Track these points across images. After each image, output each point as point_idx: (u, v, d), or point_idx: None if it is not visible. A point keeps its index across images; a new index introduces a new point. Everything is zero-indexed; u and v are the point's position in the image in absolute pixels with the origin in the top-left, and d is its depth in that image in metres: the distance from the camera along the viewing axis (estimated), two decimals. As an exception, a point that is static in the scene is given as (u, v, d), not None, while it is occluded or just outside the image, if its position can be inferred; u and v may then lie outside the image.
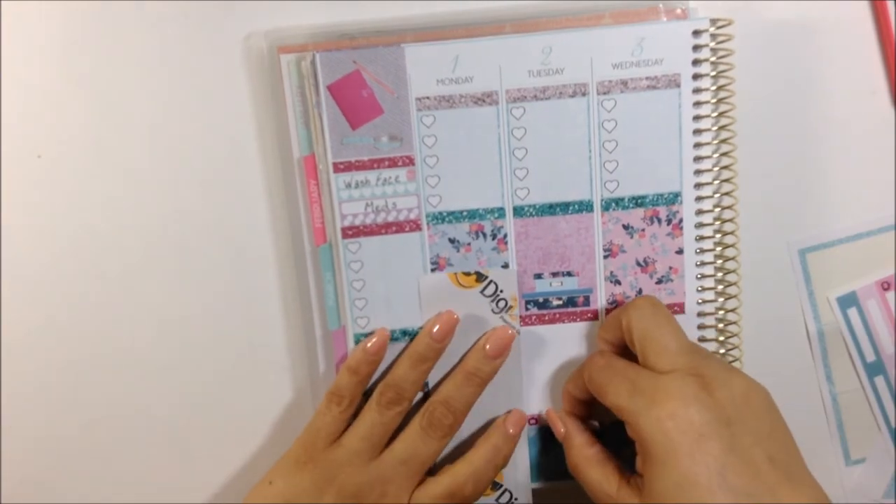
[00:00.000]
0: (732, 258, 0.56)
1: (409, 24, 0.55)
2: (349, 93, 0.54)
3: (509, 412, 0.57)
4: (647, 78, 0.54)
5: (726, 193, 0.56)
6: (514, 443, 0.56)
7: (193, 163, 0.57)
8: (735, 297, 0.57)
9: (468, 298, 0.56)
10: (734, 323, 0.57)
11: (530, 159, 0.55)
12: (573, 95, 0.54)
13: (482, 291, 0.56)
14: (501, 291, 0.56)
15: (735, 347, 0.57)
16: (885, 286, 0.59)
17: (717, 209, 0.56)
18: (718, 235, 0.56)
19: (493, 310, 0.56)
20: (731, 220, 0.56)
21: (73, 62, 0.56)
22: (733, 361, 0.57)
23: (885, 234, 0.58)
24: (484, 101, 0.54)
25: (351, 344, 0.56)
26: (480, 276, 0.56)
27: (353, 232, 0.55)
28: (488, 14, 0.55)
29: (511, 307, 0.56)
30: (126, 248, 0.58)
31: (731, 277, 0.57)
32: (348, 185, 0.55)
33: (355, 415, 0.55)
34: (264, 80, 0.56)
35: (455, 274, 0.56)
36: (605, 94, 0.54)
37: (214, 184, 0.58)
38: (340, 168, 0.55)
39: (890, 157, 0.58)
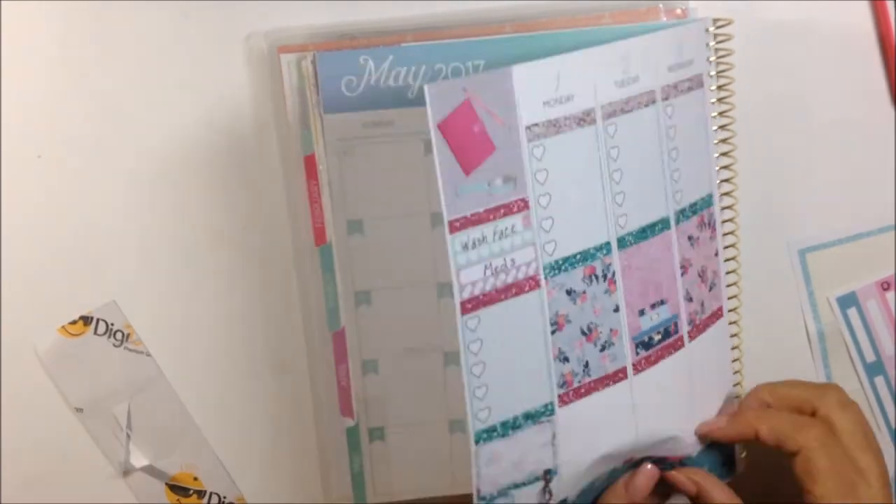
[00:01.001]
0: (733, 258, 0.57)
1: (409, 25, 0.55)
2: (461, 130, 0.42)
3: (634, 474, 0.52)
4: (687, 80, 0.52)
5: (726, 193, 0.56)
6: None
7: (193, 162, 0.57)
8: (735, 297, 0.57)
9: (87, 345, 0.58)
10: (734, 323, 0.57)
11: (626, 181, 0.49)
12: (647, 105, 0.50)
13: (95, 333, 0.58)
14: (112, 325, 0.58)
15: (735, 348, 0.57)
16: (885, 286, 0.62)
17: (728, 210, 0.56)
18: (728, 237, 0.56)
19: (114, 345, 0.58)
20: (730, 220, 0.56)
21: (73, 62, 0.57)
22: (733, 361, 0.57)
23: (884, 234, 0.61)
24: (584, 120, 0.47)
25: (472, 446, 0.45)
26: (86, 319, 0.58)
27: (472, 304, 0.43)
28: (488, 14, 0.55)
29: (129, 335, 0.58)
30: (126, 248, 0.58)
31: (731, 278, 0.57)
32: (465, 247, 0.43)
33: None
34: (265, 80, 0.56)
35: (63, 327, 0.58)
36: (665, 99, 0.50)
37: (214, 183, 0.58)
38: (457, 227, 0.42)
39: (890, 157, 0.61)
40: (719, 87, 0.54)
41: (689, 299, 0.53)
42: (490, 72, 0.44)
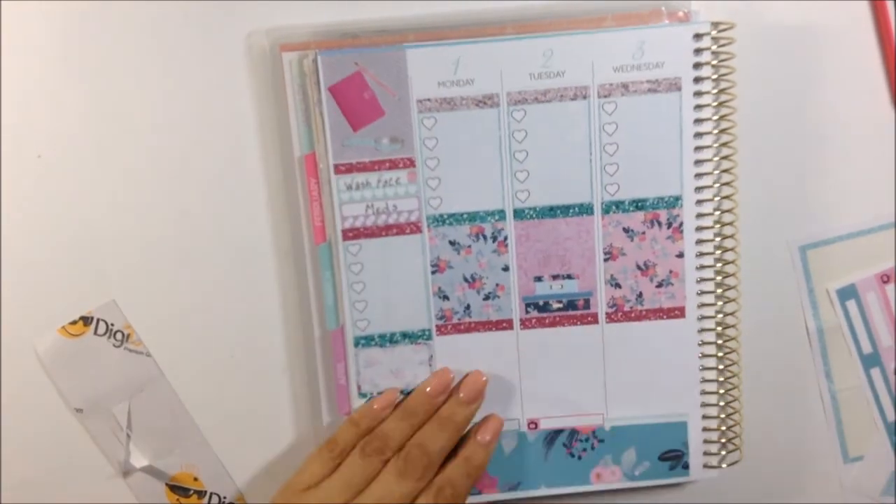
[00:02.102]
0: (732, 262, 0.56)
1: (411, 24, 0.55)
2: (350, 94, 0.54)
3: (485, 419, 0.57)
4: (647, 81, 0.54)
5: (726, 197, 0.56)
6: (489, 450, 0.56)
7: (194, 161, 0.57)
8: (734, 300, 0.57)
9: (87, 345, 0.58)
10: (732, 326, 0.57)
11: (531, 162, 0.55)
12: (574, 98, 0.54)
13: (95, 333, 0.58)
14: (112, 325, 0.58)
15: (733, 351, 0.57)
16: (885, 279, 0.59)
17: (718, 213, 0.56)
18: (719, 239, 0.56)
19: (114, 345, 0.58)
20: (730, 224, 0.56)
21: (73, 62, 0.56)
22: (730, 365, 0.57)
23: (885, 231, 0.59)
24: (485, 103, 0.54)
25: (349, 344, 0.57)
26: (86, 320, 0.58)
27: (353, 234, 0.55)
28: (490, 15, 0.55)
29: (129, 335, 0.58)
30: (126, 246, 0.58)
31: (730, 281, 0.57)
32: (349, 187, 0.55)
33: None
34: (266, 79, 0.56)
35: (63, 327, 0.58)
36: (605, 97, 0.54)
37: (215, 182, 0.58)
38: (342, 170, 0.55)
39: (890, 156, 0.58)
40: (721, 91, 0.54)
41: (616, 285, 0.56)
42: (385, 49, 0.53)
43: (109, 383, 0.59)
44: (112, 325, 0.58)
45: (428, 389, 0.55)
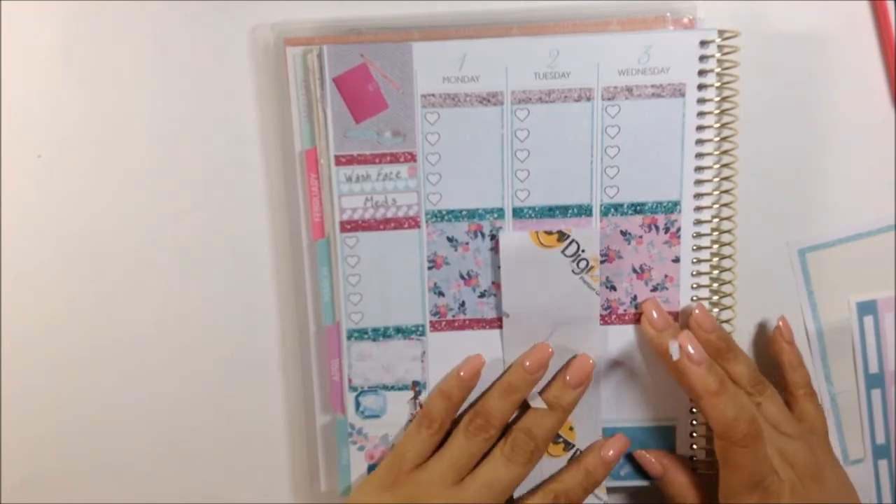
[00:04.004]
0: (729, 269, 0.56)
1: (416, 23, 0.55)
2: (355, 86, 0.54)
3: (612, 437, 0.57)
4: (652, 86, 0.54)
5: (725, 205, 0.56)
6: (610, 468, 0.56)
7: (195, 155, 0.57)
8: (730, 307, 0.57)
9: (549, 258, 0.55)
10: (729, 331, 0.57)
11: (532, 161, 0.55)
12: (578, 100, 0.54)
13: (563, 251, 0.55)
14: (583, 251, 0.55)
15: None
16: (906, 303, 0.60)
17: (716, 220, 0.56)
18: (716, 246, 0.56)
19: (573, 270, 0.55)
20: (729, 231, 0.56)
21: (73, 61, 0.56)
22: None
23: (884, 234, 0.59)
24: (489, 100, 0.54)
25: (344, 340, 0.56)
26: (562, 236, 0.55)
27: (351, 226, 0.55)
28: (496, 16, 0.56)
29: (592, 268, 0.55)
30: (125, 243, 0.58)
31: (726, 288, 0.57)
32: (349, 179, 0.55)
33: (443, 441, 0.55)
34: (269, 73, 0.56)
35: (536, 233, 0.55)
36: (609, 99, 0.54)
37: (216, 177, 0.58)
38: (342, 161, 0.55)
39: (890, 158, 0.58)
40: (723, 99, 0.55)
41: (612, 287, 0.56)
42: (390, 44, 0.53)
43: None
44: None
45: (527, 364, 0.54)
